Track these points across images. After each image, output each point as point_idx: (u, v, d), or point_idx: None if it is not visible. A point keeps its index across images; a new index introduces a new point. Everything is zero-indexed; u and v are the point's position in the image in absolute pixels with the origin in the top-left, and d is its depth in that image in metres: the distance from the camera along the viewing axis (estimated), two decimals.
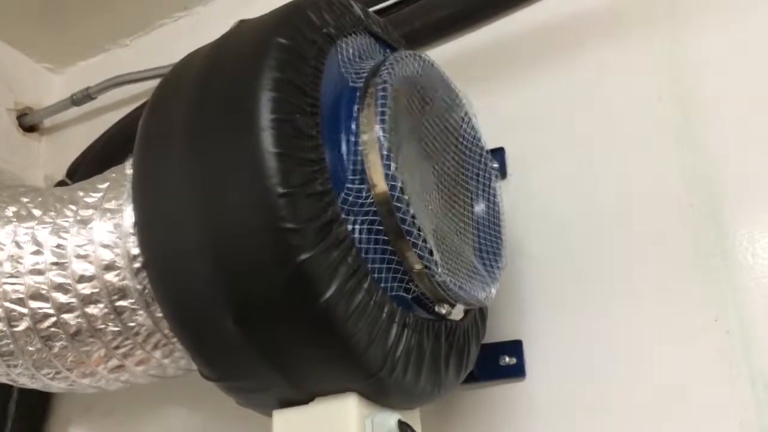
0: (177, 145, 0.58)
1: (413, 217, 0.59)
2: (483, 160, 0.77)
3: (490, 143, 0.85)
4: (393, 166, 0.58)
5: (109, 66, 1.31)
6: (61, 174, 1.25)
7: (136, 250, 0.67)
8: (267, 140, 0.54)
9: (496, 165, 0.79)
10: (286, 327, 0.56)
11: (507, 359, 0.83)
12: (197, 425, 1.01)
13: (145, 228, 0.60)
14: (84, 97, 1.28)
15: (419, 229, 0.59)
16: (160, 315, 0.67)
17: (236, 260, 0.55)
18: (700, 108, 0.83)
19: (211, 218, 0.55)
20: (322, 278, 0.54)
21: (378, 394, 0.61)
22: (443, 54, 0.96)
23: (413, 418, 0.68)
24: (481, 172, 0.77)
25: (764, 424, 0.70)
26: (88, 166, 1.13)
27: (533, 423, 0.80)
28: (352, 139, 0.60)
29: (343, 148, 0.60)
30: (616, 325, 0.79)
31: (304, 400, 0.61)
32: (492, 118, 0.87)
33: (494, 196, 0.77)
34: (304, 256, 0.54)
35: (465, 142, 0.75)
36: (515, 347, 0.83)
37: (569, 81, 0.91)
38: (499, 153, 0.91)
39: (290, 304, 0.55)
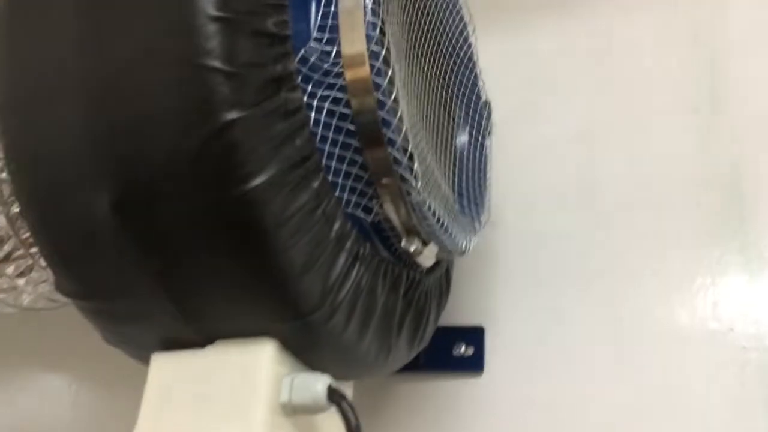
0: None
1: (396, 102, 0.42)
2: (475, 89, 0.61)
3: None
4: (379, 26, 0.42)
5: None
6: None
7: None
8: None
9: (486, 101, 0.63)
10: (188, 221, 0.38)
11: (463, 348, 0.66)
12: (63, 394, 0.80)
13: (7, 55, 0.41)
14: None
15: (401, 121, 0.42)
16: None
17: (128, 107, 0.37)
18: (725, 83, 0.70)
19: (104, 41, 0.37)
20: (256, 154, 0.37)
21: (305, 345, 0.43)
22: None
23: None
24: (471, 103, 0.61)
25: None
26: None
27: (486, 428, 0.63)
28: None
29: None
30: (604, 322, 0.64)
31: (199, 341, 0.43)
32: (484, 69, 0.72)
33: (482, 136, 0.61)
34: (233, 115, 0.36)
35: (457, 59, 0.59)
36: (475, 335, 0.67)
37: (580, 35, 0.77)
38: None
39: (201, 186, 0.37)
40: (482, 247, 0.70)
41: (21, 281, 0.56)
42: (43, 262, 0.49)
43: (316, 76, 0.41)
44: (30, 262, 0.55)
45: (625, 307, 0.63)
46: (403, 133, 0.42)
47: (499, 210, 0.72)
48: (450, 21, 0.59)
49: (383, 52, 0.41)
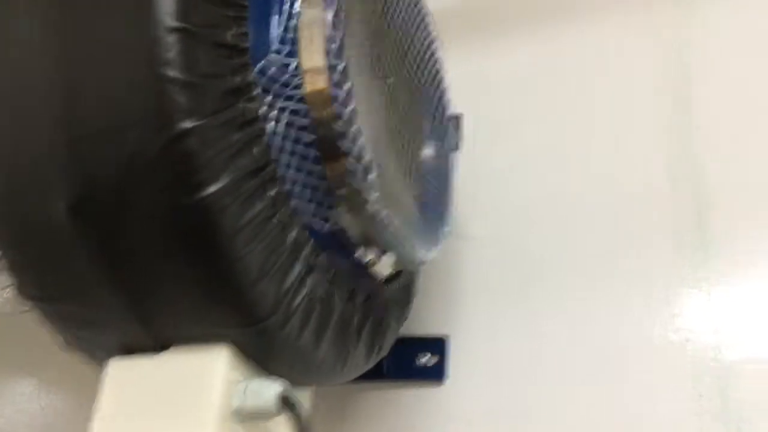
0: None
1: (353, 113, 0.43)
2: (442, 102, 0.62)
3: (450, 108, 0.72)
4: (338, 39, 0.43)
5: None
6: None
7: None
8: None
9: (455, 115, 0.64)
10: (144, 227, 0.38)
11: (426, 357, 0.67)
12: (32, 390, 0.80)
13: None
14: None
15: (358, 133, 0.43)
16: None
17: (89, 113, 0.37)
18: (695, 101, 0.71)
19: (68, 49, 0.38)
20: (210, 162, 0.37)
21: (260, 351, 0.44)
22: None
23: (302, 400, 0.51)
24: (437, 116, 0.62)
25: None
26: None
27: None
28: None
29: (275, 5, 0.44)
30: (565, 332, 0.65)
31: (155, 346, 0.44)
32: (456, 81, 0.73)
33: (447, 148, 0.62)
34: (189, 124, 0.37)
35: (424, 72, 0.61)
36: (438, 344, 0.68)
37: (553, 53, 0.79)
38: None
39: (157, 193, 0.38)
40: (448, 259, 0.71)
41: None
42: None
43: (275, 88, 0.42)
44: None
45: (584, 319, 0.64)
46: (359, 145, 0.43)
47: (467, 222, 0.73)
48: (416, 36, 0.60)
49: (341, 66, 0.42)
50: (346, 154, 0.43)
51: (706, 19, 0.73)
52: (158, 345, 0.44)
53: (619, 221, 0.67)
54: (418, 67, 0.60)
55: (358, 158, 0.43)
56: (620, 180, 0.69)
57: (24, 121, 0.39)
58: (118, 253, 0.40)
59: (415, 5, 0.59)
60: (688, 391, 0.59)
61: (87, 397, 0.49)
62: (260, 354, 0.44)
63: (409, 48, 0.59)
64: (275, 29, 0.44)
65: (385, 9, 0.54)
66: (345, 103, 0.42)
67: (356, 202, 0.45)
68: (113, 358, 0.45)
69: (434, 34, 0.62)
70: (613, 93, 0.74)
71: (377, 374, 0.63)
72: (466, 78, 0.77)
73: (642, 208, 0.67)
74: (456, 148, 0.63)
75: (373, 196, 0.44)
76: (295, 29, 0.44)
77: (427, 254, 0.53)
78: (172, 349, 0.44)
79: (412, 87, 0.60)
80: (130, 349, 0.44)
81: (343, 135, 0.43)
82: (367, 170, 0.44)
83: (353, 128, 0.43)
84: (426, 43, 0.61)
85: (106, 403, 0.44)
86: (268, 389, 0.43)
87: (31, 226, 0.40)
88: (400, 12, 0.57)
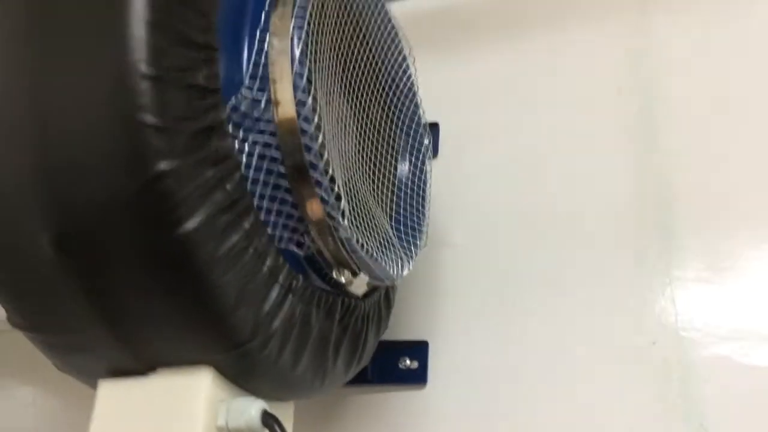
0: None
1: (322, 147, 0.45)
2: (415, 118, 0.64)
3: (425, 117, 0.74)
4: (305, 76, 0.45)
5: None
6: None
7: None
8: (139, 2, 0.39)
9: (427, 130, 0.67)
10: (126, 262, 0.41)
11: (408, 362, 0.70)
12: (26, 402, 0.82)
13: None
14: None
15: (327, 164, 0.45)
16: None
17: (69, 156, 0.39)
18: (661, 105, 0.74)
19: (42, 93, 0.40)
20: (186, 200, 0.39)
21: (241, 372, 0.46)
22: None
23: (285, 413, 0.54)
24: (411, 132, 0.64)
25: None
26: None
27: None
28: (258, 35, 0.46)
29: (245, 43, 0.46)
30: (539, 336, 0.68)
31: (141, 369, 0.46)
32: (430, 89, 0.75)
33: (422, 162, 0.64)
34: (164, 166, 0.39)
35: (397, 92, 0.63)
36: (419, 349, 0.70)
37: (521, 60, 0.81)
38: (433, 129, 0.79)
39: (136, 230, 0.40)
40: (427, 266, 0.73)
41: None
42: None
43: (246, 123, 0.44)
44: None
45: (554, 323, 0.67)
46: (329, 175, 0.45)
47: (446, 230, 0.75)
48: (388, 54, 0.62)
49: (309, 100, 0.44)
50: (316, 184, 0.45)
51: (668, 27, 0.75)
52: (145, 368, 0.46)
53: (585, 227, 0.70)
54: (390, 84, 0.62)
55: (329, 188, 0.45)
56: (586, 186, 0.72)
57: (7, 157, 0.41)
58: (102, 285, 0.42)
59: (386, 22, 0.61)
60: (654, 393, 0.62)
61: (80, 405, 0.52)
62: (242, 375, 0.46)
63: (381, 65, 0.61)
64: (245, 64, 0.46)
65: (356, 30, 0.56)
66: (314, 137, 0.44)
67: (329, 228, 0.47)
68: (103, 380, 0.47)
69: (406, 50, 0.64)
70: (580, 100, 0.76)
71: (362, 379, 0.66)
72: (436, 87, 0.80)
73: (608, 213, 0.70)
74: (430, 156, 0.66)
75: (345, 222, 0.46)
76: (265, 64, 0.46)
77: (402, 270, 0.55)
78: (158, 371, 0.46)
79: (385, 104, 0.62)
80: (118, 372, 0.47)
81: (313, 166, 0.45)
82: (338, 198, 0.46)
83: (323, 159, 0.45)
84: (398, 59, 0.63)
85: (98, 422, 0.46)
86: (250, 408, 0.45)
87: (16, 258, 0.42)
88: (371, 32, 0.59)
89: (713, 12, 0.74)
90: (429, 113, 0.78)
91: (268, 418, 0.45)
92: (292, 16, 0.47)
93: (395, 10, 0.86)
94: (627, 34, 0.77)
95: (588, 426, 0.62)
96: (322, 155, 0.45)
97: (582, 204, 0.72)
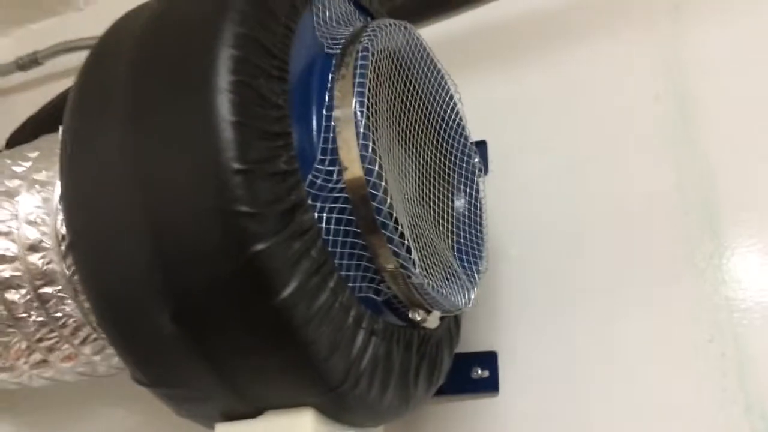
0: (114, 107, 0.49)
1: (390, 207, 0.51)
2: (467, 151, 0.69)
3: (472, 135, 0.78)
4: (370, 146, 0.50)
5: (61, 30, 1.20)
6: (0, 144, 1.14)
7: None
8: (223, 105, 0.45)
9: (478, 159, 0.71)
10: (234, 328, 0.47)
11: (479, 372, 0.75)
12: (130, 429, 0.91)
13: (72, 202, 0.50)
14: (31, 61, 1.17)
15: (396, 222, 0.51)
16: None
17: (178, 246, 0.46)
18: (699, 110, 0.76)
19: (150, 195, 0.47)
20: (280, 273, 0.46)
21: (338, 410, 0.53)
22: (426, 36, 0.88)
23: None
24: (464, 165, 0.69)
25: None
26: (27, 138, 1.02)
27: None
28: (324, 113, 0.52)
29: (314, 122, 0.52)
30: (600, 339, 0.72)
31: (252, 413, 0.53)
32: (475, 109, 0.79)
33: (476, 191, 0.69)
34: (260, 246, 0.45)
35: (448, 130, 0.68)
36: (489, 359, 0.76)
37: (560, 74, 0.85)
38: (481, 146, 0.84)
39: (240, 302, 0.46)
40: (488, 279, 0.78)
41: (97, 357, 0.67)
42: None
43: (323, 194, 0.50)
44: (102, 342, 0.65)
45: (616, 325, 0.72)
46: (399, 232, 0.51)
47: (502, 243, 0.80)
48: (437, 97, 0.67)
49: (375, 167, 0.50)
50: (388, 241, 0.51)
51: (702, 33, 0.78)
52: (254, 411, 0.53)
53: (635, 230, 0.74)
54: (441, 124, 0.67)
55: (400, 242, 0.51)
56: (632, 191, 0.75)
57: (127, 255, 0.48)
58: (215, 349, 0.49)
59: (433, 68, 0.66)
60: (715, 387, 0.66)
61: None
62: (339, 412, 0.53)
63: (431, 109, 0.66)
64: (316, 139, 0.52)
65: (408, 83, 0.61)
66: (383, 201, 0.50)
67: (402, 276, 0.53)
68: (219, 424, 0.54)
69: (452, 88, 0.68)
70: (618, 108, 0.79)
71: (439, 391, 0.71)
72: (482, 106, 0.85)
73: (655, 216, 0.74)
74: (484, 181, 0.70)
75: (416, 270, 0.52)
76: (333, 137, 0.51)
77: (469, 298, 0.61)
78: (266, 414, 0.53)
79: (438, 143, 0.67)
80: (231, 416, 0.54)
81: (384, 225, 0.51)
82: (408, 251, 0.52)
83: (392, 218, 0.51)
84: (446, 99, 0.68)
85: None
86: None
87: (142, 332, 0.49)
88: (421, 81, 0.64)
89: (743, 13, 0.76)
90: (477, 130, 0.83)
91: None
92: (353, 87, 0.52)
93: (437, 32, 0.92)
94: (660, 41, 0.80)
95: (656, 422, 0.67)
96: (391, 215, 0.51)
97: (629, 209, 0.75)
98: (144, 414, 0.92)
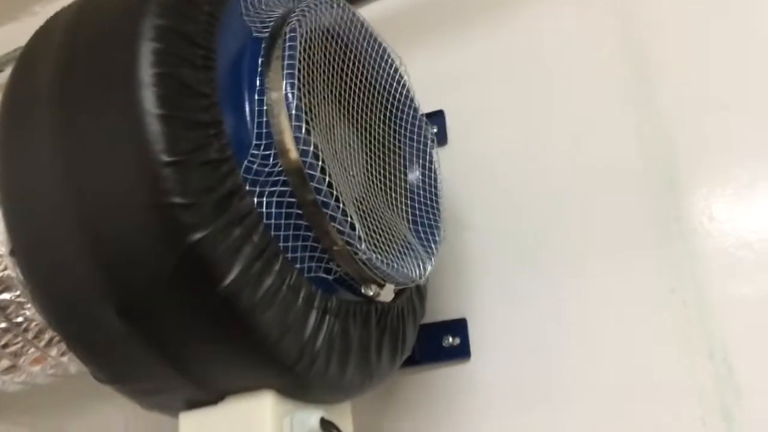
0: (41, 109, 0.49)
1: (330, 186, 0.51)
2: (417, 123, 0.69)
3: (428, 106, 0.78)
4: (304, 128, 0.50)
5: (18, 36, 1.19)
6: None
7: None
8: (148, 99, 0.45)
9: (434, 129, 0.71)
10: (181, 319, 0.48)
11: (450, 340, 0.76)
12: (119, 422, 0.92)
13: (8, 208, 0.50)
14: None
15: (338, 200, 0.51)
16: None
17: (115, 243, 0.46)
18: (654, 67, 0.76)
19: (82, 195, 0.47)
20: (221, 261, 0.46)
21: (298, 389, 0.53)
22: (371, 10, 0.88)
23: (343, 411, 0.61)
24: (415, 137, 0.69)
25: (724, 398, 0.65)
26: None
27: (479, 406, 0.73)
28: (257, 98, 0.52)
29: (246, 108, 0.52)
30: (567, 300, 0.73)
31: (213, 399, 0.54)
32: (429, 79, 0.80)
33: (430, 162, 0.69)
34: (197, 236, 0.45)
35: (396, 103, 0.67)
36: (459, 326, 0.76)
37: (513, 37, 0.84)
38: (438, 116, 0.84)
39: (183, 293, 0.47)
40: (454, 249, 0.79)
41: (65, 358, 0.67)
42: None
43: (261, 178, 0.50)
44: None
45: (582, 287, 0.72)
46: (341, 209, 0.51)
47: (465, 212, 0.81)
48: (379, 70, 0.66)
49: (311, 148, 0.50)
50: (331, 219, 0.51)
51: None
52: (216, 398, 0.54)
53: (597, 192, 0.74)
54: (387, 97, 0.67)
55: (343, 220, 0.51)
56: (593, 153, 0.76)
57: (65, 255, 0.48)
58: (165, 341, 0.49)
59: (372, 41, 0.65)
60: (679, 334, 0.67)
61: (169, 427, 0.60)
62: (299, 391, 0.53)
63: (375, 82, 0.66)
64: (250, 124, 0.52)
65: (345, 57, 0.61)
66: (321, 180, 0.50)
67: (350, 253, 0.53)
68: (182, 412, 0.55)
69: (396, 60, 0.68)
70: (575, 68, 0.79)
71: (411, 361, 0.72)
72: (436, 75, 0.85)
73: (616, 175, 0.74)
74: (437, 153, 0.70)
75: (362, 246, 0.52)
76: (267, 121, 0.51)
77: (425, 269, 0.61)
78: (227, 399, 0.53)
79: (386, 117, 0.67)
80: (193, 404, 0.54)
81: (325, 204, 0.51)
82: (352, 227, 0.52)
83: (333, 198, 0.51)
84: (390, 72, 0.67)
85: None
86: (311, 417, 0.53)
87: (91, 330, 0.50)
88: (360, 54, 0.64)
89: None
90: (433, 101, 0.83)
91: (326, 424, 0.53)
92: (282, 70, 0.52)
93: (383, 5, 0.91)
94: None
95: (623, 375, 0.67)
96: (331, 194, 0.51)
97: (590, 169, 0.76)
98: (131, 408, 0.93)
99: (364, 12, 0.82)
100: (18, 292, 0.61)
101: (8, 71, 1.15)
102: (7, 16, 1.24)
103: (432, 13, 0.89)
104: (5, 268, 0.60)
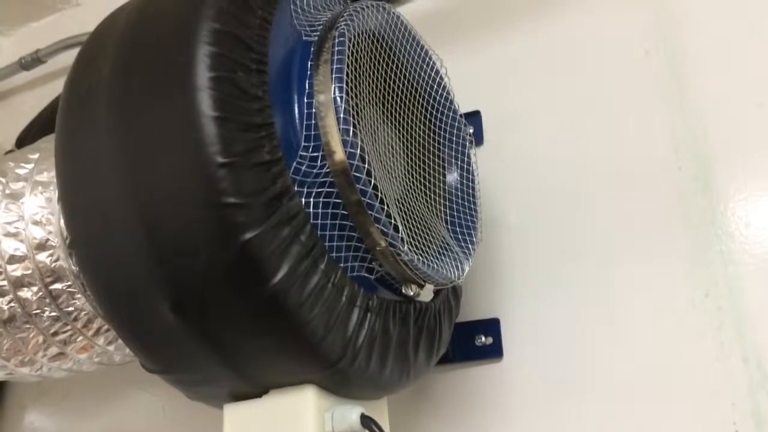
0: (101, 109, 0.51)
1: (375, 188, 0.52)
2: (456, 124, 0.70)
3: (465, 106, 0.79)
4: (351, 130, 0.52)
5: (61, 27, 1.22)
6: (10, 144, 1.16)
7: None
8: (204, 102, 0.47)
9: (471, 130, 0.72)
10: (231, 315, 0.49)
11: (483, 339, 0.77)
12: (157, 410, 0.95)
13: (68, 203, 0.52)
14: (33, 60, 1.19)
15: (382, 202, 0.52)
16: None
17: (171, 240, 0.48)
18: (690, 64, 0.77)
19: (141, 193, 0.48)
20: (270, 259, 0.48)
21: (339, 385, 0.55)
22: (413, 11, 0.89)
23: (380, 407, 0.63)
24: (454, 138, 0.70)
25: (757, 403, 0.65)
26: (34, 136, 1.04)
27: (511, 405, 0.74)
28: (306, 100, 0.53)
29: (296, 110, 0.53)
30: (600, 301, 0.74)
31: (257, 393, 0.55)
32: (466, 80, 0.80)
33: (468, 164, 0.70)
34: (249, 235, 0.47)
35: (436, 105, 0.69)
36: (492, 326, 0.77)
37: (549, 38, 0.85)
38: (475, 117, 0.85)
39: (235, 290, 0.48)
40: (489, 248, 0.80)
41: (111, 347, 0.70)
42: None
43: (308, 181, 0.52)
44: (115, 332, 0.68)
45: (616, 286, 0.73)
46: (385, 211, 0.52)
47: (500, 211, 0.81)
48: (421, 73, 0.67)
49: (357, 150, 0.51)
50: (375, 221, 0.52)
51: None
52: (259, 391, 0.55)
53: (632, 190, 0.75)
54: (428, 99, 0.68)
55: (387, 221, 0.53)
56: (627, 150, 0.76)
57: (125, 250, 0.50)
58: (216, 335, 0.51)
59: (415, 44, 0.66)
60: (713, 339, 0.67)
61: (208, 414, 0.62)
62: (339, 387, 0.55)
63: (417, 85, 0.67)
64: (299, 127, 0.53)
65: (390, 61, 0.62)
66: (367, 182, 0.51)
67: (392, 254, 0.54)
68: (227, 404, 0.57)
69: (438, 64, 0.69)
70: (610, 67, 0.80)
71: (445, 359, 0.74)
72: (474, 76, 0.85)
73: (650, 173, 0.75)
74: (475, 155, 0.71)
75: (405, 248, 0.54)
76: (316, 123, 0.53)
77: (463, 270, 0.62)
78: (270, 393, 0.55)
79: (427, 119, 0.68)
80: (238, 396, 0.56)
81: (370, 206, 0.52)
82: (395, 229, 0.53)
83: (378, 200, 0.52)
84: (431, 75, 0.68)
85: None
86: (351, 413, 0.54)
87: (145, 324, 0.52)
88: (404, 58, 0.65)
89: None
90: (469, 102, 0.84)
91: (366, 420, 0.54)
92: (331, 73, 0.54)
93: (423, 6, 0.92)
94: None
95: (657, 378, 0.68)
96: (376, 196, 0.52)
97: (624, 169, 0.76)
98: (167, 397, 0.96)
99: (403, 10, 0.84)
100: (69, 282, 0.63)
101: (51, 62, 1.18)
102: (51, 7, 1.26)
103: (469, 13, 0.90)
104: (58, 259, 0.63)
